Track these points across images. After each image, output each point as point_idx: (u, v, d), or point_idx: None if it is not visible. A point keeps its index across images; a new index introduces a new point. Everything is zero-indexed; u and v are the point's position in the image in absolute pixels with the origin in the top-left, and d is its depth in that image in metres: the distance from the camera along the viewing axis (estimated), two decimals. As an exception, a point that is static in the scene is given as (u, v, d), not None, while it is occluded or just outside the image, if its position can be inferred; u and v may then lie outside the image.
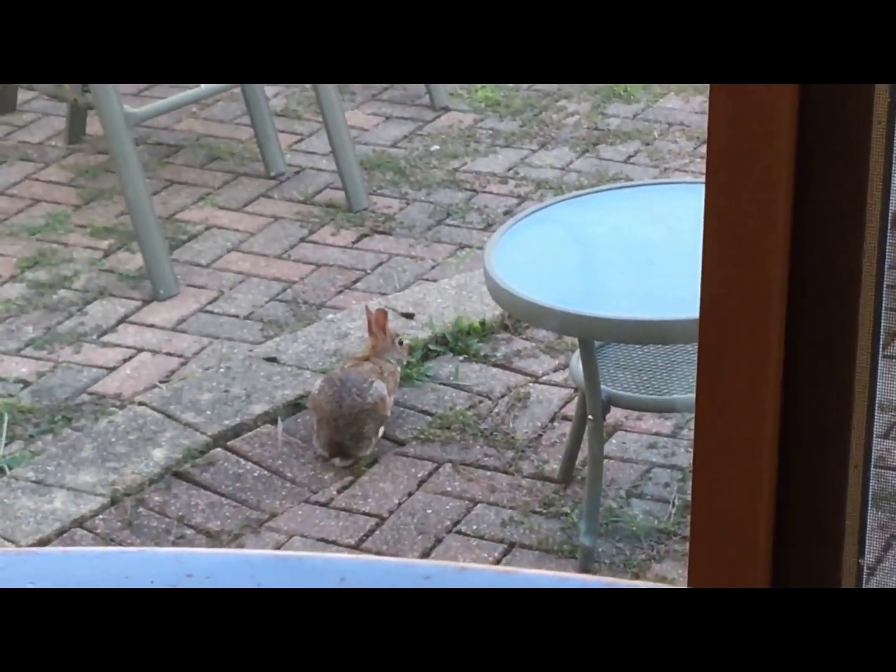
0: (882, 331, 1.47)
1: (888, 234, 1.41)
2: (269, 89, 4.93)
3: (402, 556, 3.21)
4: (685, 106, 5.05)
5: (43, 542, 3.21)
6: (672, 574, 3.15)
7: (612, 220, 3.46)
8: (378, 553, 3.21)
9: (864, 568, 1.66)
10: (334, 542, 3.27)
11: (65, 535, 3.25)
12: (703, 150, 3.70)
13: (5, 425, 3.61)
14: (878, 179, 1.38)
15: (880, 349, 1.47)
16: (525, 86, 5.19)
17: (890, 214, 1.41)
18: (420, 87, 5.10)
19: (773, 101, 1.36)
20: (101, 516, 3.31)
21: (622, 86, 5.12)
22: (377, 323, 3.57)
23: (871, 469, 1.56)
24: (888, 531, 3.50)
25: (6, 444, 3.56)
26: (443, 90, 5.05)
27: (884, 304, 1.45)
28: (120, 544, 3.21)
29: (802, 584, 1.62)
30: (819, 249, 1.42)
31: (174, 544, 3.23)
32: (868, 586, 1.58)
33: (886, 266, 1.43)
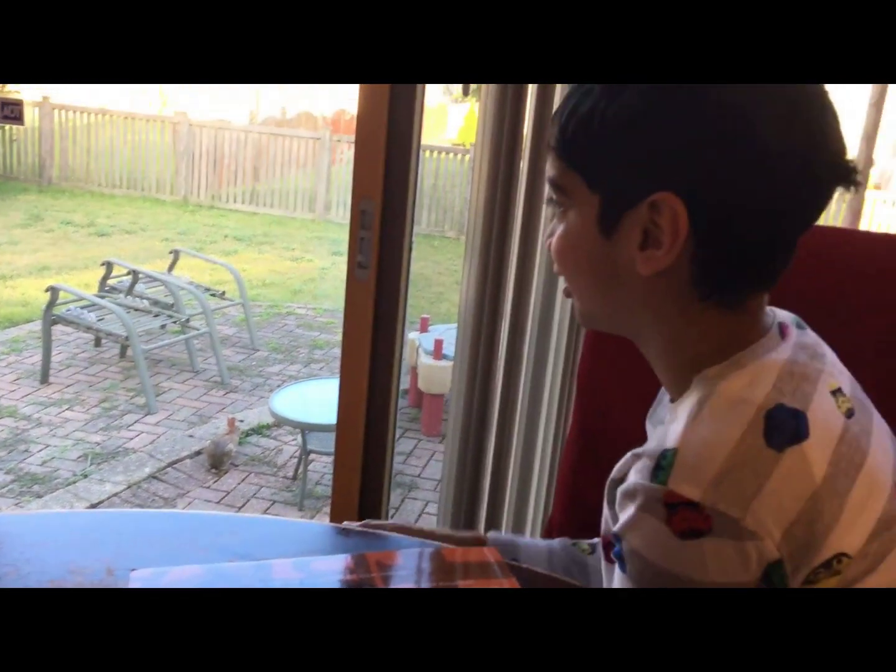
0: (406, 337, 1.48)
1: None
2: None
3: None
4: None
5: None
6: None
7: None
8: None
9: (390, 508, 1.81)
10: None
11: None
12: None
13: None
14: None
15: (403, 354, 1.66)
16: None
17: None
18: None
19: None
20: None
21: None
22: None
23: (395, 448, 1.63)
24: (404, 490, 3.34)
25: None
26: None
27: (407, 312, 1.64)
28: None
29: (369, 505, 1.81)
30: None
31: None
32: (391, 519, 1.72)
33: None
